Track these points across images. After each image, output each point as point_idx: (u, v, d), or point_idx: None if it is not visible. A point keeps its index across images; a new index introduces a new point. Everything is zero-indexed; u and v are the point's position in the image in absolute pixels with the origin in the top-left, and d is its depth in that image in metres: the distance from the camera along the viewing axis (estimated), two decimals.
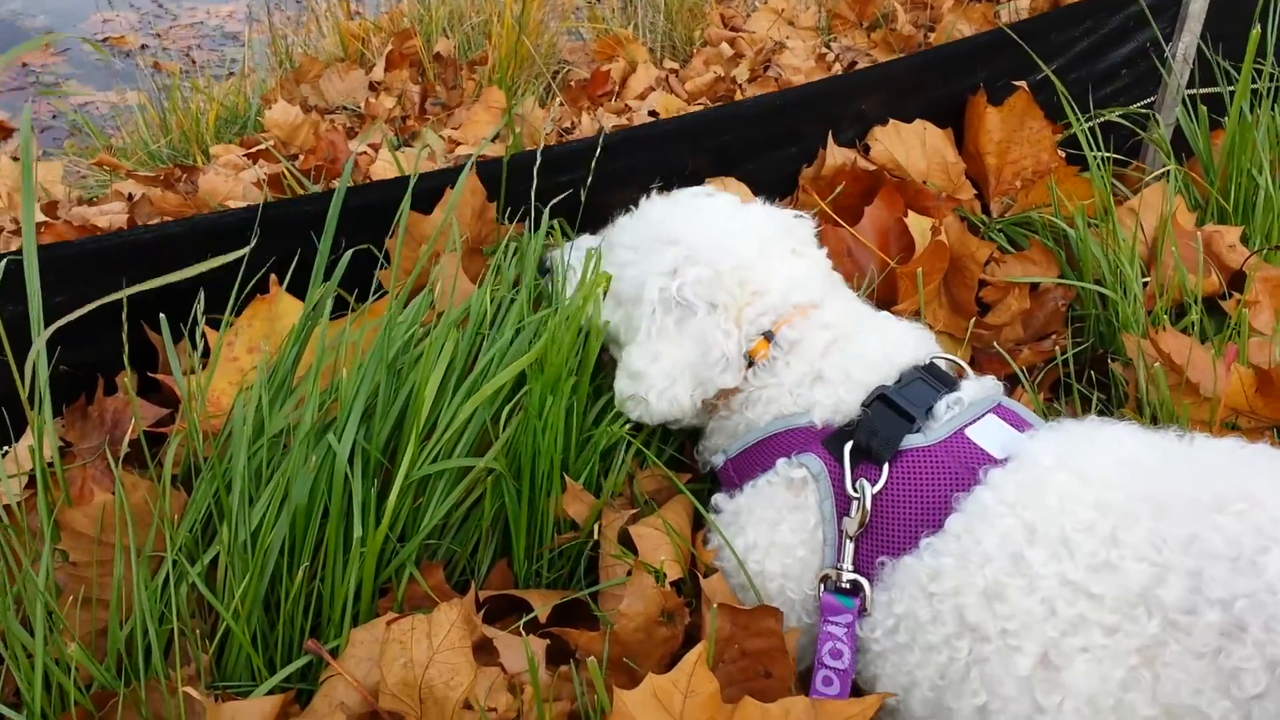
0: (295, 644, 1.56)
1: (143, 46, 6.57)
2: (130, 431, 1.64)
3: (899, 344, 1.67)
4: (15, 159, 4.15)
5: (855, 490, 1.49)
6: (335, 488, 1.55)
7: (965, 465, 1.45)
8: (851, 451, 1.52)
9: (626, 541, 1.68)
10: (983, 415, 1.52)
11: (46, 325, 1.52)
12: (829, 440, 1.57)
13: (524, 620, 1.58)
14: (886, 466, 1.49)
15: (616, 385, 1.77)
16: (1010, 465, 1.42)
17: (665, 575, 1.57)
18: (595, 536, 1.71)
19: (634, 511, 1.72)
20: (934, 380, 1.57)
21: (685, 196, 1.90)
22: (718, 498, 1.71)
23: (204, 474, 1.63)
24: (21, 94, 5.97)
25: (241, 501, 1.55)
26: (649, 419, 1.74)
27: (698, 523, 1.77)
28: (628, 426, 1.79)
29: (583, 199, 2.20)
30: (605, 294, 1.82)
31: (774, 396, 1.67)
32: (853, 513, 1.48)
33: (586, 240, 1.97)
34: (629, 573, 1.59)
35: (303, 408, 1.62)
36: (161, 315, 1.68)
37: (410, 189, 1.95)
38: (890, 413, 1.53)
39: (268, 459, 1.63)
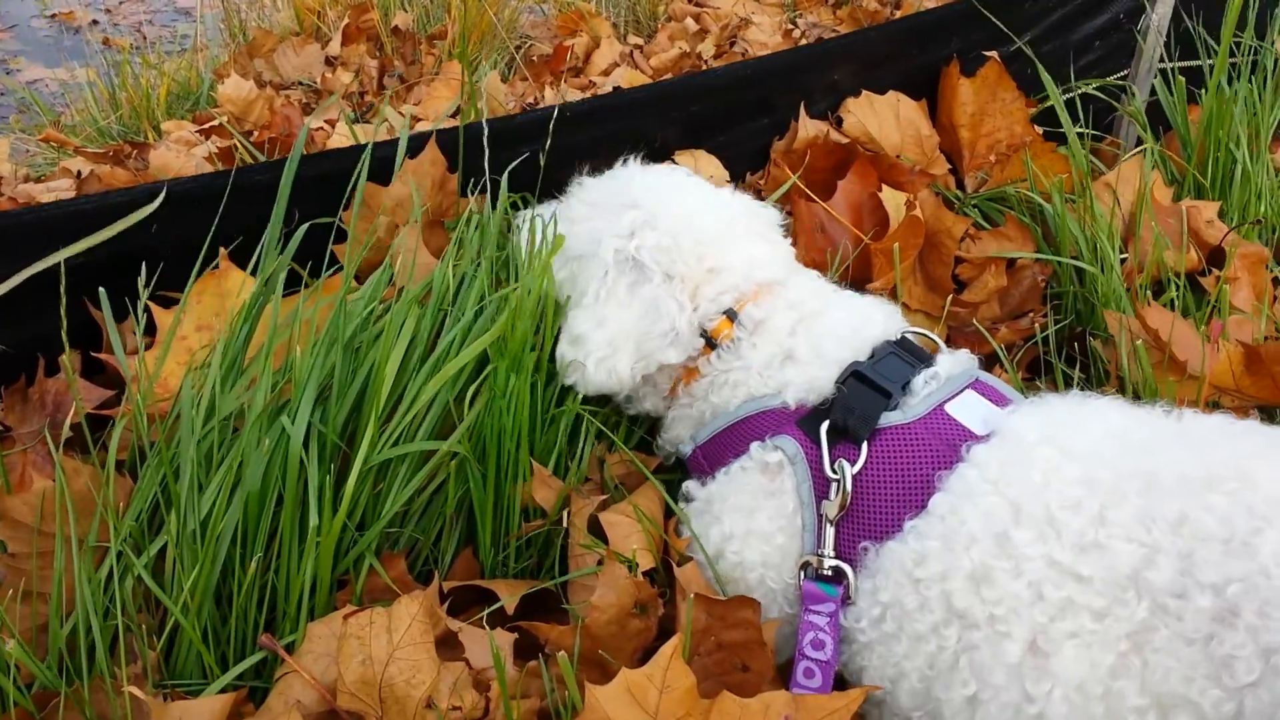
0: (248, 639, 1.48)
1: (93, 22, 6.38)
2: (71, 415, 1.54)
3: (867, 318, 1.62)
4: None
5: (834, 471, 1.43)
6: (290, 473, 1.47)
7: (946, 442, 1.39)
8: (828, 431, 1.46)
9: (596, 529, 1.61)
10: (961, 390, 1.47)
11: None
12: (804, 420, 1.50)
13: (489, 611, 1.50)
14: (865, 445, 1.43)
15: (558, 350, 1.68)
16: (993, 441, 1.36)
17: (638, 565, 1.50)
18: (564, 524, 1.63)
19: (604, 498, 1.65)
20: (908, 355, 1.52)
21: (655, 168, 1.84)
22: (689, 485, 1.64)
23: (150, 459, 1.53)
24: None
25: (191, 488, 1.46)
26: (584, 388, 1.66)
27: (668, 508, 1.71)
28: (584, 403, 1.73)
29: (541, 167, 2.11)
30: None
31: (741, 379, 1.61)
32: (832, 495, 1.42)
33: (553, 206, 1.89)
34: (600, 562, 1.52)
35: (255, 388, 1.54)
36: (101, 290, 1.58)
37: (367, 156, 1.85)
38: (866, 389, 1.47)
39: (218, 443, 1.54)
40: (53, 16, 6.45)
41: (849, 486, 1.41)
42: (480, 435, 1.63)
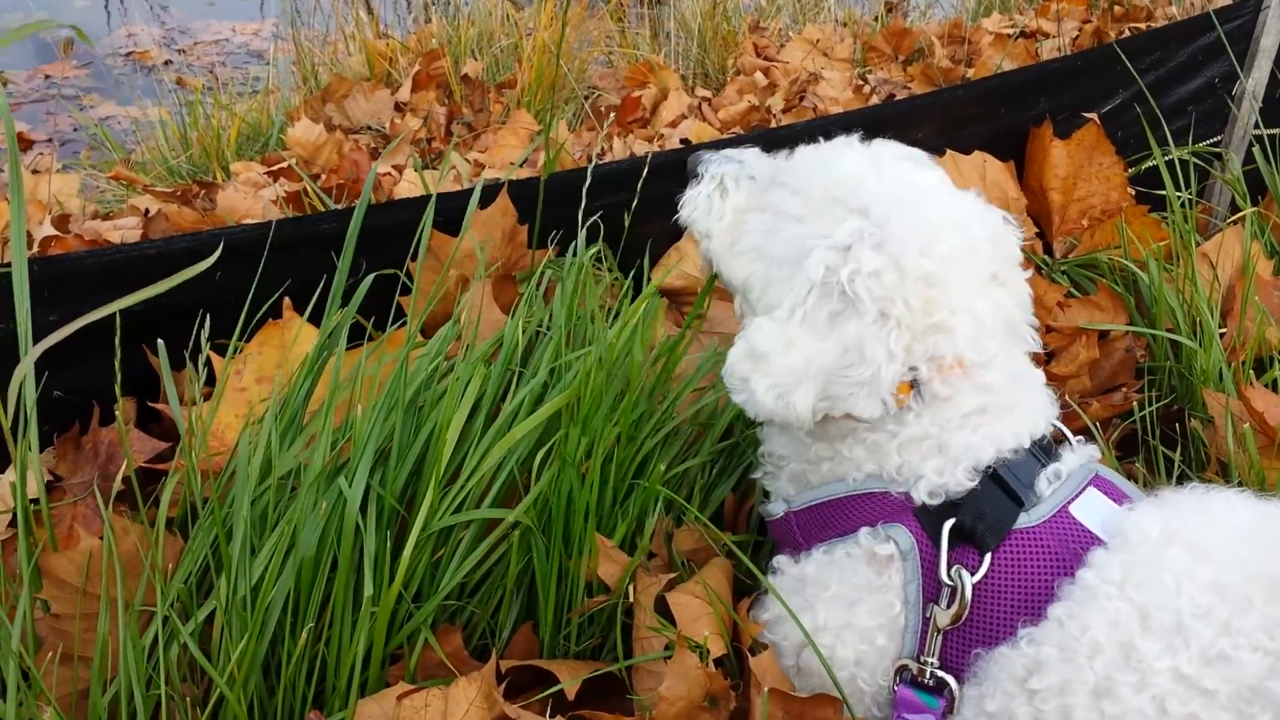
0: (296, 714, 1.40)
1: (166, 62, 6.49)
2: (123, 469, 1.48)
3: (1035, 422, 1.41)
4: (35, 171, 4.06)
5: (951, 578, 1.31)
6: (345, 538, 1.39)
7: (1069, 548, 1.28)
8: (950, 531, 1.33)
9: (662, 608, 1.51)
10: (1084, 489, 1.35)
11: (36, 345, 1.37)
12: (922, 511, 1.37)
13: (549, 694, 1.41)
14: (989, 555, 1.30)
15: (730, 355, 1.40)
16: (1114, 543, 1.25)
17: (709, 652, 1.40)
18: (629, 600, 1.53)
19: (672, 576, 1.55)
20: (1039, 452, 1.38)
21: (890, 156, 1.46)
22: (780, 560, 1.50)
23: (203, 518, 1.47)
24: (44, 105, 5.89)
25: (243, 551, 1.39)
26: (752, 411, 1.39)
27: (738, 587, 1.61)
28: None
29: (626, 223, 2.04)
30: (737, 241, 1.51)
31: (880, 449, 1.40)
32: (943, 602, 1.30)
33: (755, 159, 1.57)
34: (667, 646, 1.43)
35: (313, 447, 1.47)
36: (160, 341, 1.53)
37: (432, 205, 1.79)
38: (1000, 494, 1.33)
39: (274, 503, 1.47)
40: (128, 55, 6.57)
41: (969, 597, 1.29)
42: (546, 503, 1.54)
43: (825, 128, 2.39)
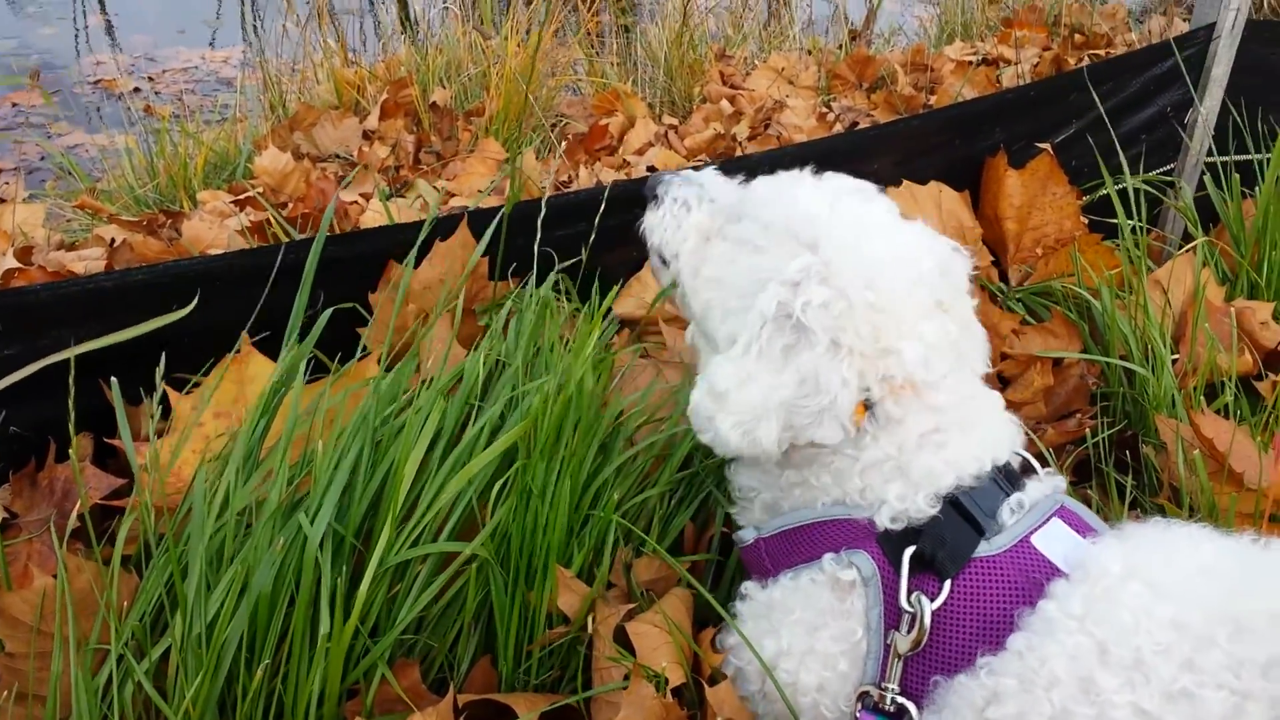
0: None
1: (135, 90, 6.47)
2: (77, 507, 1.48)
3: (996, 444, 1.43)
4: (0, 200, 4.04)
5: (910, 604, 1.32)
6: (306, 574, 1.40)
7: (1030, 578, 1.29)
8: (912, 558, 1.33)
9: (623, 638, 1.52)
10: (1048, 519, 1.35)
11: None
12: (885, 538, 1.37)
13: None
14: (949, 582, 1.31)
15: (693, 396, 1.42)
16: (1075, 576, 1.26)
17: (667, 681, 1.41)
18: (588, 631, 1.54)
19: (631, 606, 1.56)
20: (1002, 479, 1.39)
21: (844, 190, 1.49)
22: (748, 585, 1.50)
23: (157, 556, 1.47)
24: (10, 134, 5.86)
25: (199, 588, 1.39)
26: (720, 449, 1.41)
27: (698, 616, 1.62)
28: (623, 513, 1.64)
29: (583, 255, 2.06)
30: (699, 267, 1.53)
31: (844, 475, 1.41)
32: (903, 629, 1.31)
33: (714, 181, 1.59)
34: (626, 676, 1.44)
35: (270, 482, 1.47)
36: (114, 379, 1.53)
37: (389, 236, 1.81)
38: (961, 521, 1.35)
39: (230, 539, 1.47)
40: (96, 83, 6.54)
41: (927, 623, 1.30)
42: (505, 536, 1.55)
43: (785, 159, 2.43)
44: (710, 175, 1.61)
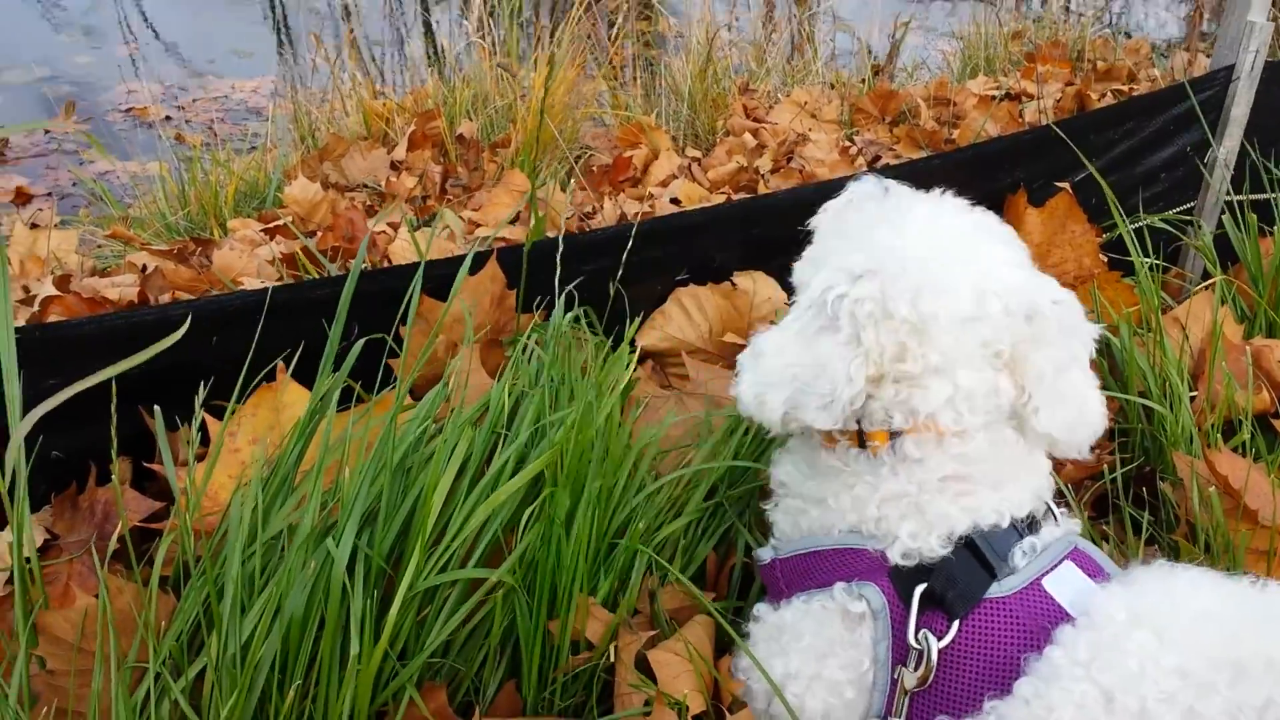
0: None
1: (166, 118, 6.58)
2: (118, 529, 1.53)
3: (1019, 505, 1.39)
4: (34, 225, 4.12)
5: (918, 641, 1.34)
6: (333, 598, 1.44)
7: (1038, 622, 1.30)
8: (922, 596, 1.35)
9: (644, 665, 1.55)
10: (1059, 562, 1.36)
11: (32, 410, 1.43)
12: (896, 572, 1.38)
13: None
14: (958, 622, 1.32)
15: (740, 356, 1.46)
16: (1081, 622, 1.27)
17: (687, 709, 1.44)
18: (611, 658, 1.58)
19: (653, 633, 1.60)
20: (1020, 524, 1.38)
21: (924, 205, 1.47)
22: (761, 607, 1.51)
23: (194, 577, 1.51)
24: (43, 160, 5.97)
25: (233, 610, 1.43)
26: (739, 406, 1.44)
27: (720, 644, 1.65)
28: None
29: (611, 290, 2.11)
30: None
31: (862, 503, 1.41)
32: (911, 665, 1.33)
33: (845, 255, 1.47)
34: (646, 703, 1.47)
35: (303, 508, 1.52)
36: (156, 407, 1.58)
37: (420, 272, 1.86)
38: (974, 562, 1.35)
39: (263, 563, 1.52)
40: (128, 111, 6.67)
41: (934, 660, 1.31)
42: (532, 563, 1.59)
43: (818, 196, 2.47)
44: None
